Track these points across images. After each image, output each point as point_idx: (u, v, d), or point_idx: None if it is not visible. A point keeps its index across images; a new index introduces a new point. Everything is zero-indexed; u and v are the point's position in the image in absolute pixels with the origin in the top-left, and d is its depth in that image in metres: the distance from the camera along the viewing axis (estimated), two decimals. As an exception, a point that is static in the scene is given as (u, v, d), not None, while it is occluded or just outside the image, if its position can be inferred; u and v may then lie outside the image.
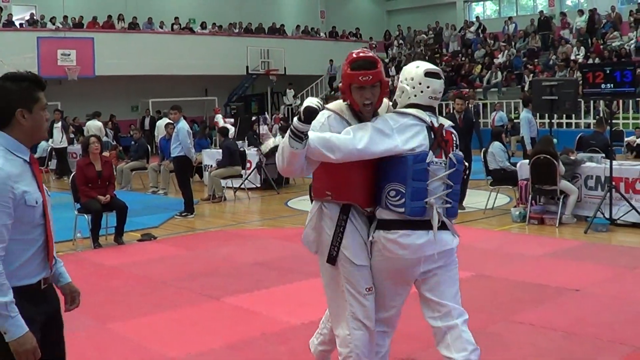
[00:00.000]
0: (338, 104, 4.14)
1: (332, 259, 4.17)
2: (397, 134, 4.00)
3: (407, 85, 4.14)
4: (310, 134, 3.91)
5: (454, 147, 4.22)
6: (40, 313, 3.18)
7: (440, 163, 4.09)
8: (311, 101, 3.90)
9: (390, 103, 4.36)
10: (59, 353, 3.39)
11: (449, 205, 4.16)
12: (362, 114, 4.10)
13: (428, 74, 4.13)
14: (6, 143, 3.11)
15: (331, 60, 32.90)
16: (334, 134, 3.98)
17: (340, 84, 4.18)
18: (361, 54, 4.10)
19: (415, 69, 4.16)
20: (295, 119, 3.89)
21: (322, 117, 4.07)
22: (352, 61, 4.05)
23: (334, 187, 4.15)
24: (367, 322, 4.24)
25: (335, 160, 3.97)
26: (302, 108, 3.85)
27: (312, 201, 4.36)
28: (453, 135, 4.23)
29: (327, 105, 4.16)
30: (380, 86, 4.07)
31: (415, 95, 4.12)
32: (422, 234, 4.06)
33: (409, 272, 4.17)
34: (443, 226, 4.14)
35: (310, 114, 3.84)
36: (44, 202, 3.17)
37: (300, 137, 3.84)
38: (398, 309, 4.43)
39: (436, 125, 4.13)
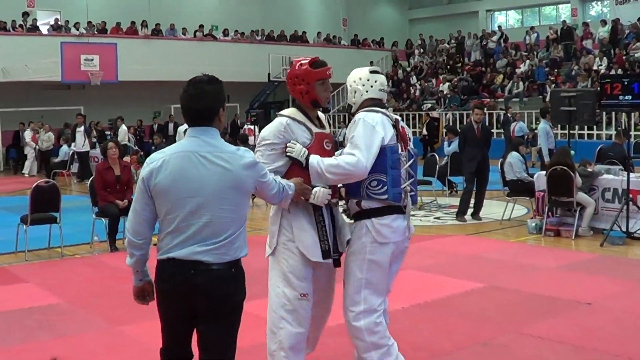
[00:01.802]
0: (290, 110, 4.51)
1: (327, 254, 4.41)
2: (380, 127, 4.40)
3: (358, 85, 4.62)
4: (323, 166, 4.28)
5: (409, 141, 4.71)
6: None
7: (404, 156, 4.57)
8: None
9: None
10: None
11: (413, 194, 4.64)
12: (314, 109, 4.54)
13: (372, 72, 4.66)
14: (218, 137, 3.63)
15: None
16: (341, 161, 4.29)
17: (301, 86, 4.47)
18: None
19: (360, 71, 4.68)
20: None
21: (279, 124, 4.39)
22: (311, 62, 4.54)
23: None
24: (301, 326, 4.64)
25: None
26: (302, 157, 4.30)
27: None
28: (406, 130, 4.73)
29: (281, 112, 4.52)
30: None
31: (367, 91, 4.61)
32: (404, 217, 4.54)
33: (395, 255, 4.57)
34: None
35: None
36: None
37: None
38: None
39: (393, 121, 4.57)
